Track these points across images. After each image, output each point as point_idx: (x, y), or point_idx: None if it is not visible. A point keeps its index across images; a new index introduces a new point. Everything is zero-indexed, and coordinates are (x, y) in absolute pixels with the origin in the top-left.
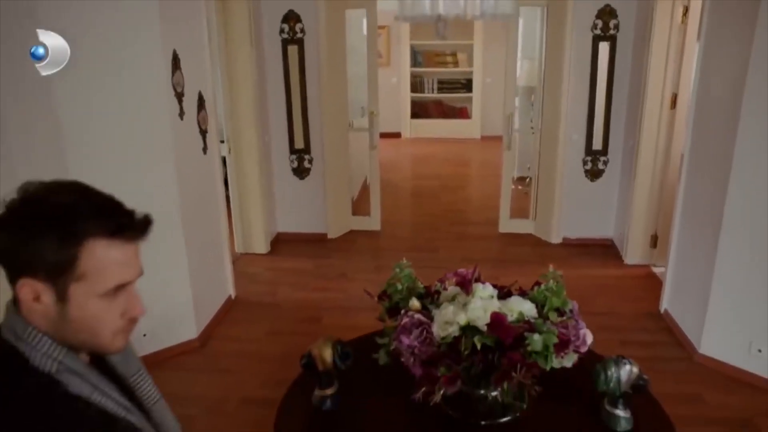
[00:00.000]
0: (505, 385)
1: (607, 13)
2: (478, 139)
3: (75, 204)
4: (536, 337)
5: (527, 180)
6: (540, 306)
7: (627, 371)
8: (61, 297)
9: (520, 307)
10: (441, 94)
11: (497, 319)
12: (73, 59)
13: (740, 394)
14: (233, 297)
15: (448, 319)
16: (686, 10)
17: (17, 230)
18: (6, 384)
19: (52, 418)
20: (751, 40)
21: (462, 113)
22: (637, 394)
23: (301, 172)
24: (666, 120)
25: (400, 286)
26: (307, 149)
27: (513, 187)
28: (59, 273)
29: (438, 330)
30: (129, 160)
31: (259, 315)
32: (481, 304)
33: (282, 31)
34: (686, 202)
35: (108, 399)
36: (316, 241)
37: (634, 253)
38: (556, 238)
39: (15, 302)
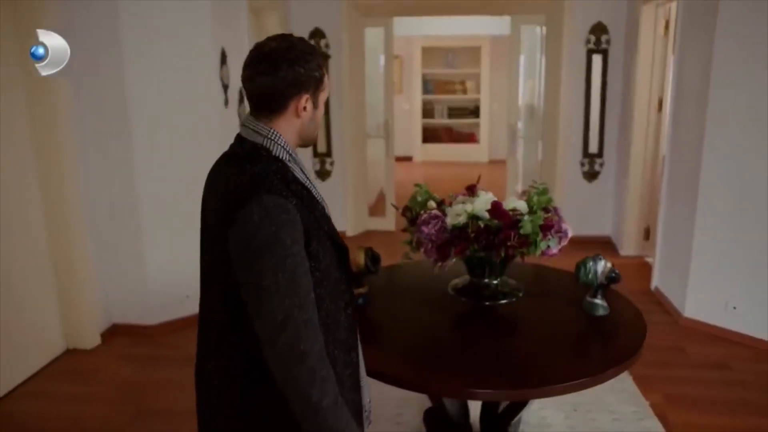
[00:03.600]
0: (504, 277)
1: (599, 29)
2: (486, 163)
3: (312, 44)
4: (527, 218)
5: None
6: (530, 208)
7: (602, 265)
8: (315, 104)
9: (515, 204)
10: (451, 120)
11: (496, 205)
12: (143, 49)
13: (718, 346)
14: None
15: (458, 212)
16: (667, 23)
17: (306, 61)
18: (262, 164)
19: (290, 193)
20: (711, 49)
21: (471, 138)
22: (611, 285)
23: (323, 174)
24: (654, 123)
25: (419, 198)
26: (329, 153)
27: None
28: (318, 86)
29: (450, 220)
30: (182, 137)
31: None
32: (484, 200)
33: None
34: (669, 193)
35: (312, 187)
36: None
37: (628, 246)
38: None
39: (257, 116)
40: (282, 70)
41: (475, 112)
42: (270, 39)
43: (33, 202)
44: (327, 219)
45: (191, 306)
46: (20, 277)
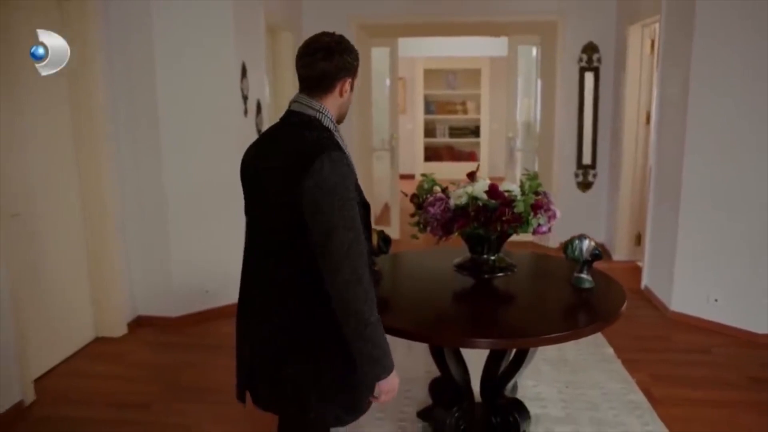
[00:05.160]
0: (500, 254)
1: (590, 48)
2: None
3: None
4: (519, 197)
5: None
6: (522, 191)
7: (587, 244)
8: (351, 87)
9: (509, 187)
10: (452, 139)
11: (493, 187)
12: (174, 62)
13: (700, 335)
14: None
15: (459, 194)
16: (653, 42)
17: (350, 52)
18: (317, 131)
19: (342, 152)
20: (689, 63)
21: (471, 157)
22: (595, 261)
23: None
24: (642, 135)
25: (426, 186)
26: None
27: None
28: (355, 72)
29: (453, 200)
30: (205, 143)
31: None
32: (483, 184)
33: None
34: (655, 199)
35: (349, 153)
36: None
37: (620, 251)
38: (553, 243)
39: (310, 95)
40: (335, 59)
41: (475, 131)
42: (322, 35)
43: (72, 204)
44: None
45: (211, 300)
46: (58, 270)
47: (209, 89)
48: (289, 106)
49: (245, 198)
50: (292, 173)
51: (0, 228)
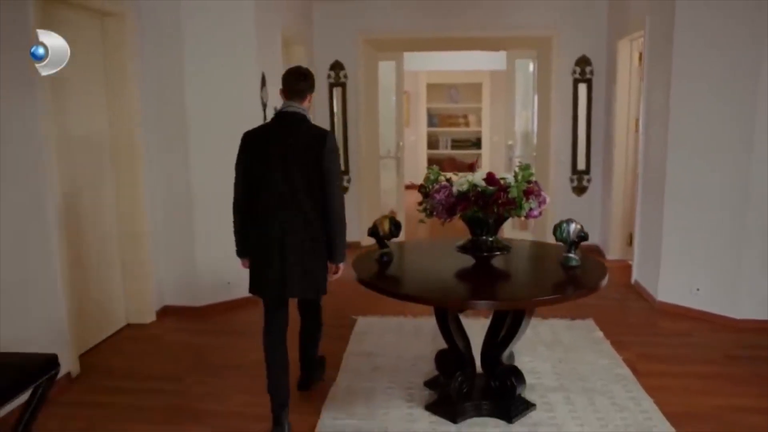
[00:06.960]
0: (497, 236)
1: (583, 61)
2: None
3: None
4: (513, 183)
5: None
6: (516, 180)
7: (573, 227)
8: (310, 99)
9: (504, 176)
10: (454, 151)
11: (490, 175)
12: (201, 72)
13: (684, 321)
14: None
15: (461, 182)
16: (641, 55)
17: (313, 77)
18: (310, 123)
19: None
20: (670, 72)
21: (472, 168)
22: (582, 242)
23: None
24: (633, 141)
25: (432, 177)
26: (346, 171)
27: None
28: (314, 90)
29: (456, 187)
30: (228, 146)
31: None
32: (481, 173)
33: (329, 76)
34: (643, 201)
35: None
36: (351, 246)
37: (613, 251)
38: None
39: (296, 101)
40: (309, 80)
41: (476, 143)
42: (298, 66)
43: (109, 202)
44: None
45: (232, 291)
46: (96, 263)
47: (233, 97)
48: (283, 108)
49: (263, 161)
50: (316, 144)
51: (56, 218)
